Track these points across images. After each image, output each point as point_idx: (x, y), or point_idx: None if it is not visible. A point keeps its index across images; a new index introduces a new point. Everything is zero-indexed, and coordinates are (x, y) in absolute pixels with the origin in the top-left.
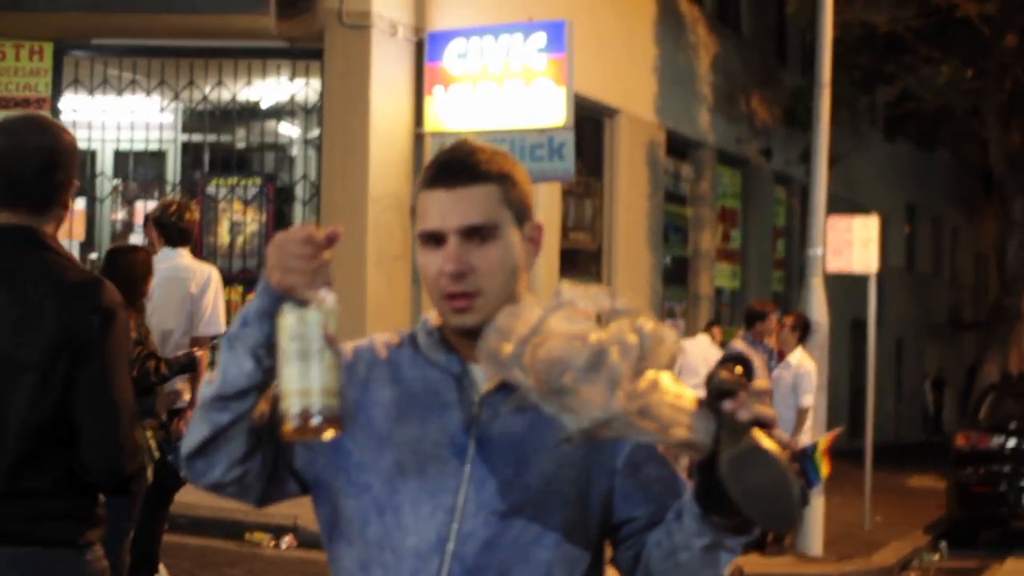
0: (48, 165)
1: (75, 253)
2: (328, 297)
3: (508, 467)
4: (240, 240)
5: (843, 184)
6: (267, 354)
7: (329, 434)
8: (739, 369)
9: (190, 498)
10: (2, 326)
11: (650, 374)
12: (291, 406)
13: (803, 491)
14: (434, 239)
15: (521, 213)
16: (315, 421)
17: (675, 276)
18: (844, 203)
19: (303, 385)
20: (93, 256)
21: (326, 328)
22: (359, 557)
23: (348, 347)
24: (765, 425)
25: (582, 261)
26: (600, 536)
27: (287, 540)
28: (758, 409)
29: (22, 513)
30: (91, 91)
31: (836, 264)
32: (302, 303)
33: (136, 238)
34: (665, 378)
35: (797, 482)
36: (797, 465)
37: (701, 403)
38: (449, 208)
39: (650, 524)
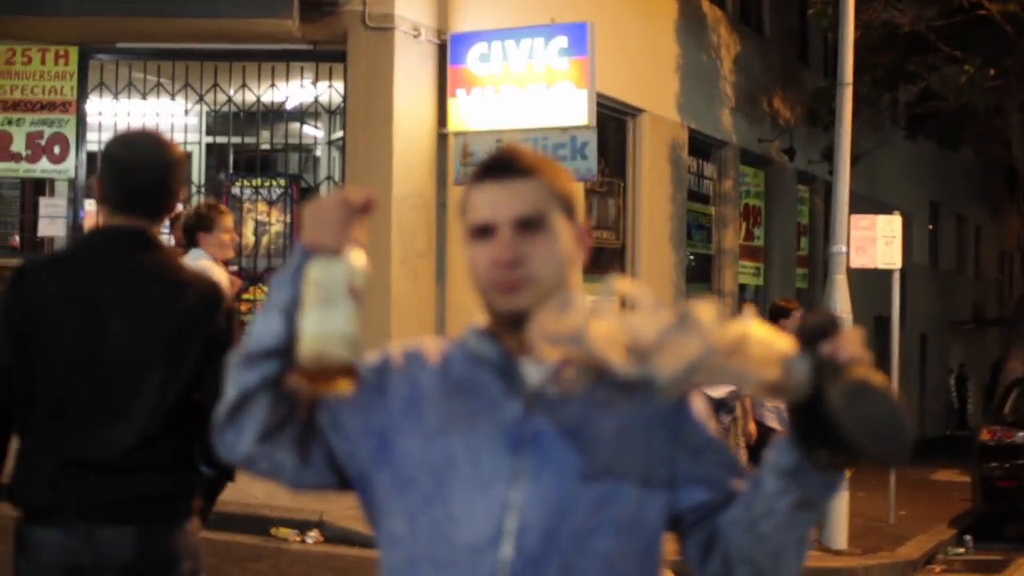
0: (162, 178)
1: None
2: (357, 254)
3: (564, 458)
4: (265, 240)
5: (866, 183)
6: (296, 312)
7: (344, 385)
8: (826, 318)
9: None
10: (125, 319)
11: (738, 324)
12: (305, 346)
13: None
14: (484, 231)
15: (569, 208)
16: (330, 365)
17: (699, 273)
18: (867, 201)
19: (322, 329)
20: None
21: (351, 281)
22: (408, 552)
23: (396, 346)
24: (862, 363)
25: (606, 259)
26: (660, 527)
27: (313, 535)
28: (855, 349)
29: (136, 493)
30: (116, 94)
31: (859, 261)
32: (332, 255)
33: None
34: (755, 325)
35: (907, 413)
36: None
37: (796, 346)
38: (500, 200)
39: (718, 505)
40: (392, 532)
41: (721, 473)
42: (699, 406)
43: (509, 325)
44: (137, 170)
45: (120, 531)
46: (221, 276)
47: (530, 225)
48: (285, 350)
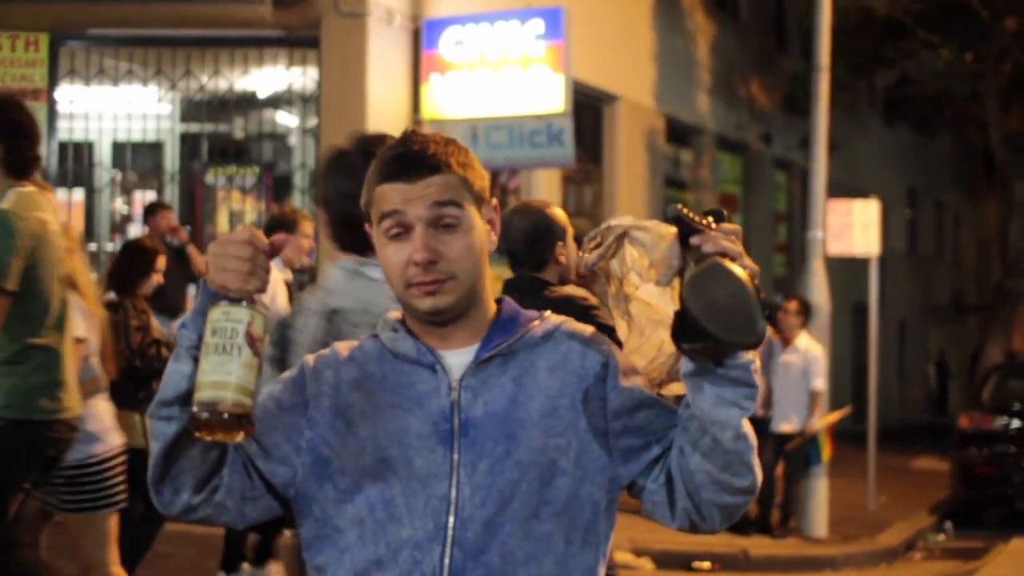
0: (533, 240)
1: None
2: (260, 301)
3: (497, 447)
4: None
5: (844, 169)
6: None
7: (239, 436)
8: (711, 218)
9: None
10: None
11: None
12: (202, 396)
13: (765, 303)
14: (398, 230)
15: (480, 196)
16: (225, 416)
17: None
18: (845, 188)
19: (218, 378)
20: (92, 246)
21: (250, 327)
22: (353, 561)
23: (310, 358)
24: (731, 257)
25: (582, 247)
26: (601, 502)
27: (288, 533)
28: (724, 242)
29: None
30: (87, 81)
31: (837, 247)
32: (234, 300)
33: (135, 228)
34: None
35: (759, 296)
36: (758, 281)
37: (672, 244)
38: (412, 199)
39: (666, 450)
40: (345, 544)
41: (659, 424)
42: (624, 366)
43: (429, 323)
44: (510, 235)
45: None
46: (277, 285)
47: (445, 222)
48: None
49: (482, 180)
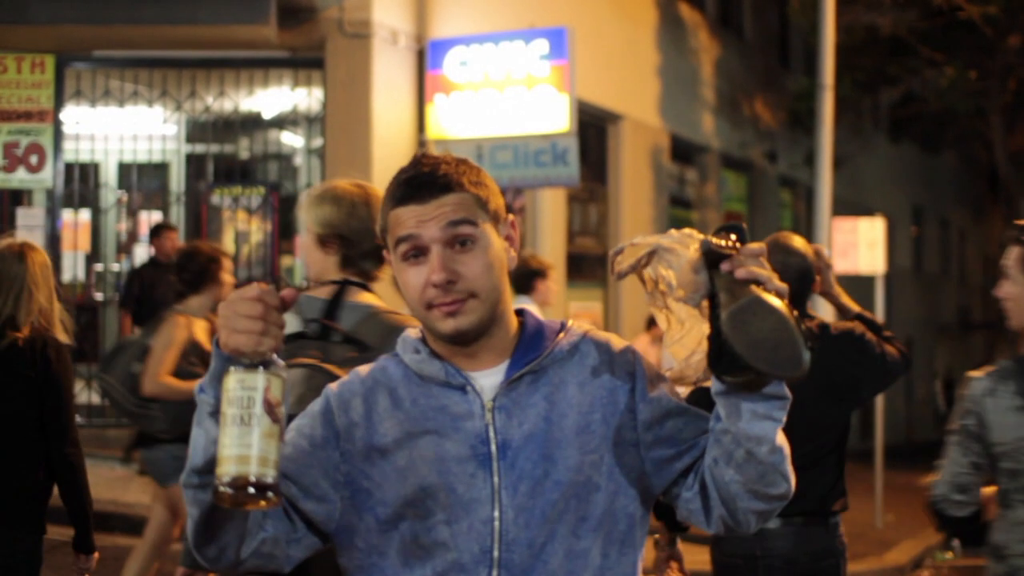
0: (805, 280)
1: (80, 265)
2: (276, 361)
3: (536, 468)
4: (245, 249)
5: (849, 187)
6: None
7: (264, 505)
8: (734, 236)
9: None
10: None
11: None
12: (225, 473)
13: (808, 336)
14: (414, 252)
15: (495, 214)
16: (250, 490)
17: None
18: (850, 206)
19: (239, 452)
20: (99, 267)
21: (268, 393)
22: None
23: (334, 386)
24: (761, 284)
25: (588, 266)
26: (636, 513)
27: None
28: (754, 268)
29: None
30: (93, 103)
31: (842, 265)
32: (248, 365)
33: (141, 249)
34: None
35: (800, 326)
36: (798, 312)
37: (698, 267)
38: (426, 220)
39: (698, 459)
40: (392, 570)
41: (688, 432)
42: (650, 375)
43: (453, 343)
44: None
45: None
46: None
47: (460, 240)
48: None
49: (496, 198)
